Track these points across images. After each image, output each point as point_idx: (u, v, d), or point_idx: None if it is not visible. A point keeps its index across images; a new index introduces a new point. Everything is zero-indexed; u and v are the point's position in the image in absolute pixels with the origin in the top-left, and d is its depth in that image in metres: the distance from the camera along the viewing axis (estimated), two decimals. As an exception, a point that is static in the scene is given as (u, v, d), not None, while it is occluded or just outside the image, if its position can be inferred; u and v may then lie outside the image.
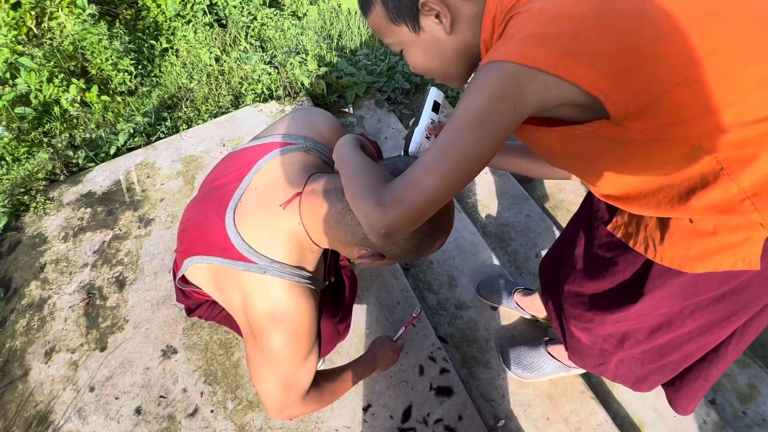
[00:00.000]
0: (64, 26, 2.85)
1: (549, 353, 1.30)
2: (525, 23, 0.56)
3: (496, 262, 1.61)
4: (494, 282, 1.50)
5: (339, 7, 3.32)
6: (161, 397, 1.32)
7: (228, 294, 0.82)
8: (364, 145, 0.79)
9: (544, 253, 1.56)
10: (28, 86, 2.52)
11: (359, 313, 1.42)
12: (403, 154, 0.85)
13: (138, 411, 1.30)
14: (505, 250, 1.75)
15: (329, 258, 1.05)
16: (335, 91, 2.36)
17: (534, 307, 1.39)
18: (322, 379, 0.92)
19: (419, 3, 0.66)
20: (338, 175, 0.79)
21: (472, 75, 0.72)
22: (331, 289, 1.10)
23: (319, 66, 2.34)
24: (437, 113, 0.85)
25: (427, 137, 0.83)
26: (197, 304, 1.09)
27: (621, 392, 1.38)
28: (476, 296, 1.52)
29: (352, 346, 1.36)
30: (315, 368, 0.86)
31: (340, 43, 2.92)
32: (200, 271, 0.85)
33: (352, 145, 0.77)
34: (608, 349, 0.96)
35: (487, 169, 2.00)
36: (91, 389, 1.35)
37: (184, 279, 0.92)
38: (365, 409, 1.24)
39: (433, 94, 0.86)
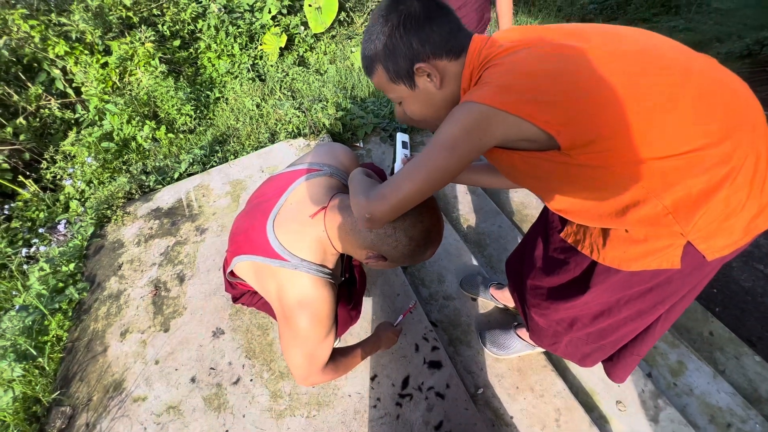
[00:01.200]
0: (141, 80, 2.93)
1: (518, 335, 1.30)
2: (497, 75, 0.58)
3: (475, 262, 1.62)
4: (474, 278, 1.51)
5: (352, 65, 3.40)
6: (211, 368, 1.32)
7: (266, 285, 0.83)
8: (370, 174, 0.82)
9: (512, 255, 1.57)
10: (112, 126, 2.59)
11: (367, 302, 1.43)
12: None
13: (193, 380, 1.30)
14: (482, 253, 1.76)
15: (345, 259, 1.06)
16: (349, 129, 2.40)
17: (505, 298, 1.39)
18: (338, 355, 0.93)
19: (414, 67, 0.67)
20: None
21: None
22: (346, 283, 1.11)
23: (337, 110, 2.39)
24: (407, 149, 0.88)
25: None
26: (241, 294, 1.11)
27: (576, 367, 1.37)
28: (460, 290, 1.52)
29: (362, 329, 1.37)
30: (332, 345, 0.86)
31: (352, 93, 2.99)
32: (245, 266, 0.86)
33: (360, 171, 0.81)
34: (560, 330, 0.96)
35: (467, 189, 2.02)
36: (156, 362, 1.36)
37: (232, 273, 0.94)
38: (372, 379, 1.24)
39: (401, 137, 0.89)
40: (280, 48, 3.49)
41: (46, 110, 2.78)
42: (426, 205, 0.75)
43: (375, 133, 2.39)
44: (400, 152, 0.87)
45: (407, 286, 1.48)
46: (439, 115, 0.76)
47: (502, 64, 0.59)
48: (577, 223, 0.78)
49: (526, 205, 2.03)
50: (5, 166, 2.42)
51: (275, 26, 3.50)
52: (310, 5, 3.55)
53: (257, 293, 1.07)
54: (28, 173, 2.50)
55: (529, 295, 1.00)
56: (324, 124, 2.30)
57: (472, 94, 0.58)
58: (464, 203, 1.96)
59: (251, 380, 1.28)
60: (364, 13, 4.11)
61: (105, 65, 2.90)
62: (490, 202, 1.96)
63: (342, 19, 3.91)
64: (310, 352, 0.82)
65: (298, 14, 3.63)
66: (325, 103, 2.48)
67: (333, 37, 3.80)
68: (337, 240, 0.81)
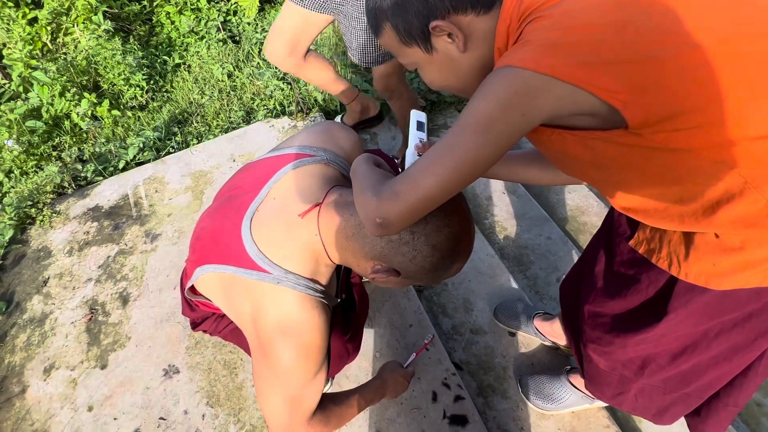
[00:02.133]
0: (79, 41, 3.01)
1: (571, 383, 1.29)
2: (542, 31, 0.59)
3: (514, 285, 1.62)
4: (512, 306, 1.50)
5: (354, 24, 3.45)
6: (161, 419, 1.34)
7: (238, 305, 0.84)
8: (380, 163, 0.83)
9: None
10: (41, 100, 2.66)
11: (370, 335, 1.44)
12: None
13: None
14: (524, 273, 1.76)
15: (342, 274, 1.07)
16: (348, 107, 2.43)
17: (555, 333, 1.39)
18: (329, 402, 0.93)
19: (430, 26, 0.68)
20: None
21: None
22: (342, 307, 1.12)
23: (333, 82, 2.42)
24: (423, 132, 0.90)
25: (419, 155, 0.87)
26: (203, 318, 1.12)
27: (649, 427, 1.35)
28: (493, 321, 1.52)
29: (361, 370, 1.37)
30: (323, 388, 0.87)
31: (354, 59, 3.03)
32: (211, 280, 0.88)
33: (366, 159, 0.81)
34: (628, 376, 0.95)
35: (504, 188, 2.03)
36: (90, 409, 1.38)
37: (193, 289, 0.95)
38: (374, 437, 1.24)
39: (416, 116, 0.91)
40: (260, 1, 3.56)
41: (-44, 79, 2.87)
42: (454, 205, 0.76)
43: (384, 112, 2.42)
44: (415, 136, 0.88)
45: (423, 315, 1.48)
46: (467, 84, 0.77)
47: (550, 17, 0.60)
48: (650, 226, 0.78)
49: (585, 210, 2.03)
50: None
51: (254, -28, 3.57)
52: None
53: (225, 317, 1.08)
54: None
55: (586, 326, 1.00)
56: (316, 100, 2.33)
57: (510, 57, 0.59)
58: (501, 206, 1.97)
59: (213, 435, 1.29)
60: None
61: (34, 21, 2.99)
62: (536, 205, 1.96)
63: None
64: (294, 395, 0.82)
65: (285, -43, 3.71)
66: (317, 72, 2.51)
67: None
68: (335, 247, 0.82)
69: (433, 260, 0.76)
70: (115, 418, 1.35)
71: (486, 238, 1.80)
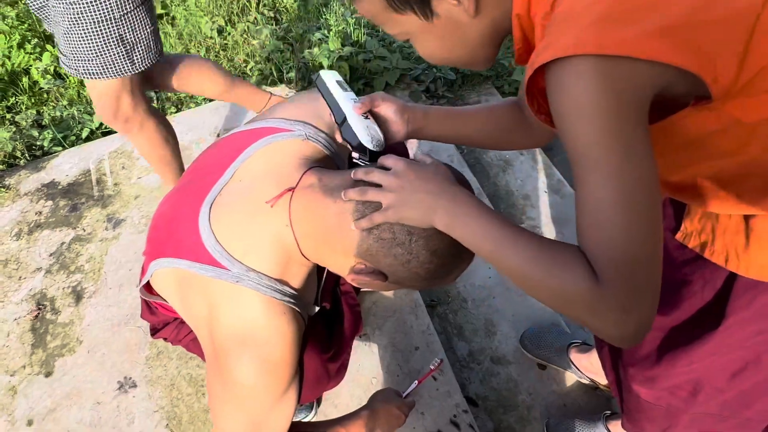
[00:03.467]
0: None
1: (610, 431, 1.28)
2: None
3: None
4: (544, 332, 1.49)
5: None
6: (112, 440, 1.37)
7: (193, 306, 0.85)
8: (460, 180, 0.80)
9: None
10: (-3, 51, 2.73)
11: (365, 356, 1.45)
12: (355, 155, 0.89)
13: (82, 455, 1.35)
14: (563, 292, 1.75)
15: (324, 279, 1.08)
16: (361, 76, 2.44)
17: (594, 368, 1.37)
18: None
19: None
20: (343, 172, 0.84)
21: (523, 83, 0.73)
22: (325, 318, 1.13)
23: (343, 45, 2.43)
24: (348, 89, 0.90)
25: (366, 117, 0.88)
26: (164, 323, 1.14)
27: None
28: (519, 349, 1.51)
29: (353, 398, 1.38)
30: (291, 414, 0.88)
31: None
32: (166, 276, 0.89)
33: (452, 197, 0.73)
34: (677, 405, 0.94)
35: (547, 186, 2.01)
36: (29, 423, 1.41)
37: (148, 287, 0.97)
38: (363, 481, 1.25)
39: (328, 77, 0.91)
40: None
41: None
42: None
43: (402, 84, 2.42)
44: (343, 98, 0.88)
45: (434, 336, 1.48)
46: (476, 55, 0.77)
47: None
48: (700, 214, 0.77)
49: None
50: None
51: None
52: None
53: (186, 323, 1.10)
54: None
55: (627, 350, 0.98)
56: (321, 65, 2.34)
57: (559, 43, 0.57)
58: (540, 208, 1.95)
59: (171, 464, 1.32)
60: None
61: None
62: (583, 208, 1.93)
63: None
64: (254, 420, 0.83)
65: None
66: (325, 32, 2.53)
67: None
68: (310, 241, 0.82)
69: (431, 267, 0.76)
70: (58, 436, 1.39)
71: (518, 246, 1.79)
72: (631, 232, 0.56)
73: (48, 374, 1.51)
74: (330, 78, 0.91)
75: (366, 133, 0.86)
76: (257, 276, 0.81)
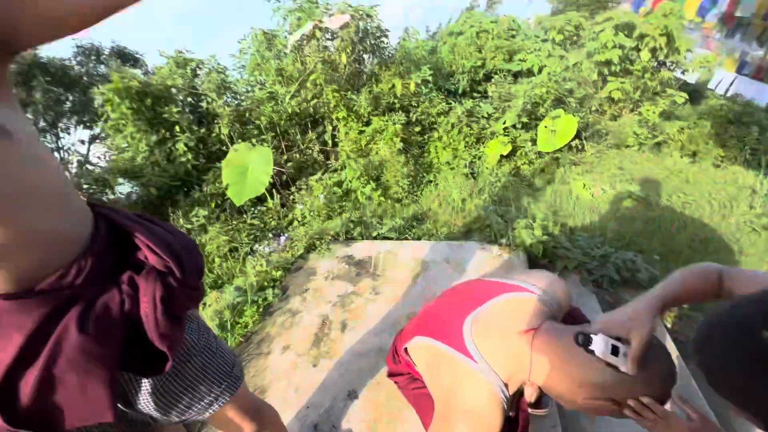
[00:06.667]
0: (380, 150, 3.81)
1: None
2: None
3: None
4: None
5: (570, 192, 3.46)
6: (333, 427, 1.44)
7: (438, 375, 0.89)
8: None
9: None
10: (346, 177, 3.41)
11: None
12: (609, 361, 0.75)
13: (315, 427, 1.44)
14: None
15: (517, 396, 1.04)
16: (547, 256, 2.39)
17: None
18: None
19: None
20: (571, 327, 0.83)
21: None
22: (507, 423, 1.07)
23: (543, 233, 2.44)
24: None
25: (613, 344, 0.74)
26: (399, 372, 1.21)
27: None
28: None
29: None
30: None
31: (562, 219, 3.00)
32: (423, 347, 0.96)
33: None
34: None
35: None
36: (296, 391, 1.58)
37: (407, 350, 1.05)
38: None
39: (601, 344, 0.74)
40: (501, 155, 3.92)
41: (310, 151, 3.93)
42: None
43: (576, 271, 2.30)
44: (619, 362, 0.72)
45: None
46: None
47: None
48: None
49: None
50: (270, 180, 3.49)
51: (504, 136, 3.99)
52: (546, 126, 3.92)
53: (418, 380, 1.14)
54: (279, 190, 3.53)
55: None
56: (523, 242, 2.37)
57: None
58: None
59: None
60: (600, 144, 4.20)
61: (361, 132, 3.93)
62: None
63: (573, 145, 4.11)
64: None
65: (530, 131, 4.05)
66: (530, 221, 2.58)
67: (556, 159, 4.01)
68: (545, 367, 0.80)
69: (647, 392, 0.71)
70: (307, 408, 1.51)
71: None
72: None
73: (314, 365, 1.67)
74: (602, 345, 0.75)
75: (622, 361, 0.73)
76: (495, 376, 0.83)
